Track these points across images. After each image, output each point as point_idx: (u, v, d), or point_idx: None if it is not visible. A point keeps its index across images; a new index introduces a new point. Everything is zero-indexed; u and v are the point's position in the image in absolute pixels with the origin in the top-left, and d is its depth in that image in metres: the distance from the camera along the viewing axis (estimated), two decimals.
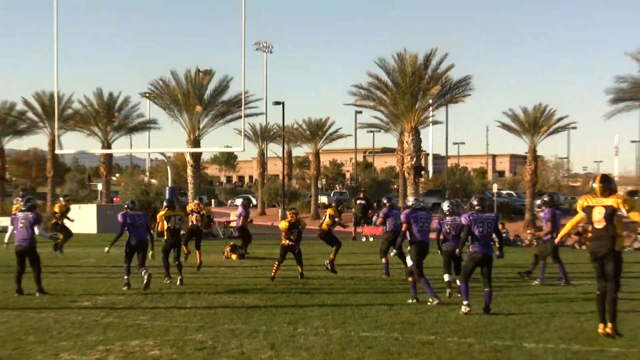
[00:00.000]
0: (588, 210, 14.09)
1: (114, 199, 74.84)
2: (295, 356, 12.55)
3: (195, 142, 52.36)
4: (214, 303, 18.73)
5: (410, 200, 21.01)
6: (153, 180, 72.81)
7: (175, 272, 22.50)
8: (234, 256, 30.58)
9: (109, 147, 66.59)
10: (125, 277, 21.34)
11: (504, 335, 14.49)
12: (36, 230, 19.98)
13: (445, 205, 21.05)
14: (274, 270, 23.44)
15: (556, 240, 21.08)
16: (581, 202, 14.34)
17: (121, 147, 66.86)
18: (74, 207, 38.69)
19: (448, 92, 51.89)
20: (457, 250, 18.64)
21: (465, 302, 17.09)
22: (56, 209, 31.84)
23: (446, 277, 20.32)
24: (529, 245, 42.32)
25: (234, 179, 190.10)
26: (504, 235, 42.38)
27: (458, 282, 18.39)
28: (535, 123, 66.34)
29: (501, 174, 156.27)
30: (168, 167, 49.06)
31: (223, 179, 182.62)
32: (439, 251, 20.64)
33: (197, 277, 23.99)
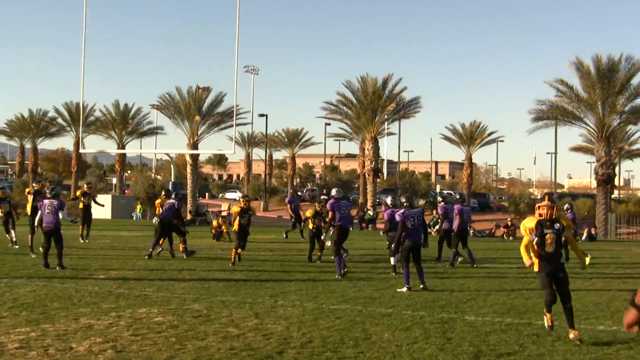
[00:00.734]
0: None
1: (126, 191, 74.30)
2: (275, 324, 12.19)
3: (194, 146, 52.18)
4: (208, 278, 18.37)
5: (334, 192, 21.04)
6: (158, 177, 72.52)
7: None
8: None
9: (123, 148, 66.35)
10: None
11: (449, 309, 14.20)
12: (60, 214, 19.72)
13: (388, 199, 21.68)
14: (233, 255, 21.55)
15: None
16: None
17: (133, 148, 66.54)
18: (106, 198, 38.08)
19: (402, 109, 52.26)
20: (394, 245, 18.20)
21: (406, 286, 16.70)
22: (78, 193, 31.14)
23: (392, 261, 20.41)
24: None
25: (224, 177, 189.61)
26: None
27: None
28: (471, 136, 66.95)
29: (442, 177, 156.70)
30: (172, 166, 48.83)
31: (215, 177, 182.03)
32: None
33: (195, 257, 23.61)
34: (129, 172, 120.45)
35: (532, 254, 11.85)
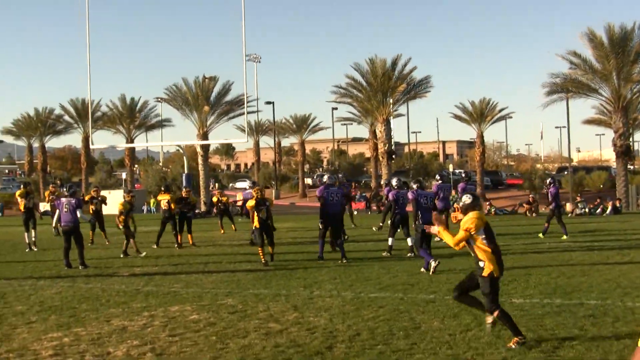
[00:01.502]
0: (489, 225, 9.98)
1: (136, 185, 73.84)
2: (317, 317, 11.64)
3: (204, 136, 51.61)
4: (236, 270, 17.83)
5: (325, 177, 21.23)
6: (165, 169, 72.14)
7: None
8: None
9: (132, 142, 65.86)
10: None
11: None
12: (78, 213, 19.24)
13: (394, 181, 22.40)
14: (261, 255, 18.90)
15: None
16: (480, 217, 9.90)
17: (140, 142, 65.69)
18: (104, 193, 37.36)
19: (412, 89, 51.43)
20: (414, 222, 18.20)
21: (432, 262, 16.50)
22: (86, 198, 30.48)
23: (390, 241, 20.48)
24: (488, 214, 41.75)
25: (232, 167, 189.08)
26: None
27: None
28: (481, 113, 66.26)
29: (448, 156, 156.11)
30: (184, 158, 48.39)
31: (223, 167, 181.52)
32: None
33: (216, 248, 23.10)
34: (136, 166, 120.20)
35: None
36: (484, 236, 9.70)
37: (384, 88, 50.08)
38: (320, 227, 20.07)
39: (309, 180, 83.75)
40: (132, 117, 66.41)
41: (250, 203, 19.66)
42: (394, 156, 54.99)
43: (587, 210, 41.41)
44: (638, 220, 33.76)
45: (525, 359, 8.88)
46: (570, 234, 24.99)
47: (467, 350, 9.32)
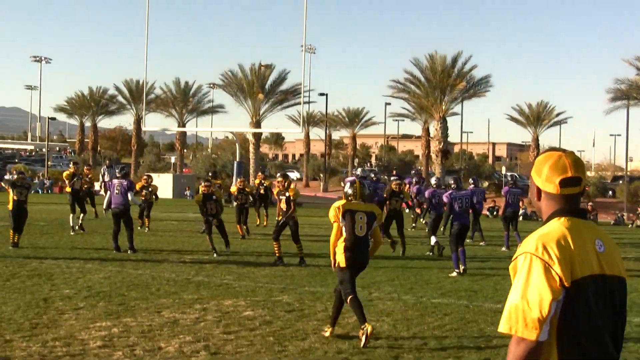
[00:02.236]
0: (350, 213, 10.04)
1: (184, 169, 73.73)
2: (379, 321, 10.97)
3: (257, 124, 51.15)
4: (289, 264, 17.14)
5: (359, 171, 22.95)
6: (214, 155, 71.90)
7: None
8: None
9: (184, 126, 65.69)
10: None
11: None
12: (129, 196, 18.80)
13: (433, 180, 23.91)
14: (276, 251, 17.33)
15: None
16: (337, 206, 10.13)
17: (190, 126, 65.26)
18: (153, 176, 36.53)
19: (471, 88, 50.39)
20: (442, 223, 18.76)
21: (455, 270, 16.37)
22: (137, 187, 29.60)
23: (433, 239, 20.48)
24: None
25: (279, 157, 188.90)
26: (522, 211, 40.92)
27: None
28: (538, 117, 65.04)
29: (499, 158, 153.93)
30: (237, 145, 48.01)
31: (271, 156, 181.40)
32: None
33: (267, 240, 22.48)
34: (185, 150, 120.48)
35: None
36: (343, 225, 10.03)
37: (442, 85, 49.15)
38: None
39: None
40: (185, 101, 66.10)
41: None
42: (448, 155, 54.01)
43: None
44: None
45: None
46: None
47: None
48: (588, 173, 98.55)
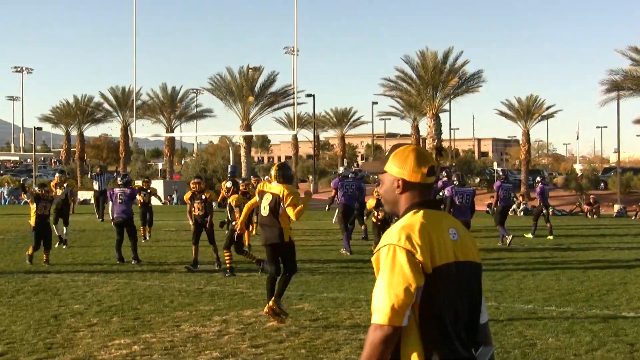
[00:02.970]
0: (260, 195, 11.06)
1: (174, 176, 72.96)
2: None
3: (247, 127, 50.56)
4: (300, 270, 16.52)
5: (341, 170, 22.06)
6: (203, 161, 71.26)
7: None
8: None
9: (172, 131, 64.98)
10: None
11: (595, 304, 12.36)
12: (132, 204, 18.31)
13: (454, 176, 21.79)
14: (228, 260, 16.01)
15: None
16: (259, 186, 11.42)
17: (178, 133, 64.31)
18: (156, 184, 35.54)
19: (464, 84, 49.90)
20: None
21: None
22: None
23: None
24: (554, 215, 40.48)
25: (265, 160, 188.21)
26: (523, 206, 40.53)
27: None
28: (528, 110, 64.55)
29: (485, 154, 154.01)
30: (230, 149, 47.46)
31: (257, 159, 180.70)
32: None
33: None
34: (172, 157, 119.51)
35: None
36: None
37: (434, 81, 48.64)
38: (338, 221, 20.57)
39: None
40: (172, 106, 65.41)
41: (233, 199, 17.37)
42: (442, 152, 53.44)
43: None
44: None
45: None
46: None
47: None
48: (576, 166, 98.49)
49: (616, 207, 47.28)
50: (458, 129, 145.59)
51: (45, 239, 17.56)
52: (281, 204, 10.66)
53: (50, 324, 10.69)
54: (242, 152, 49.78)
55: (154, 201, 24.58)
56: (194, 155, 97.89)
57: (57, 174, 23.95)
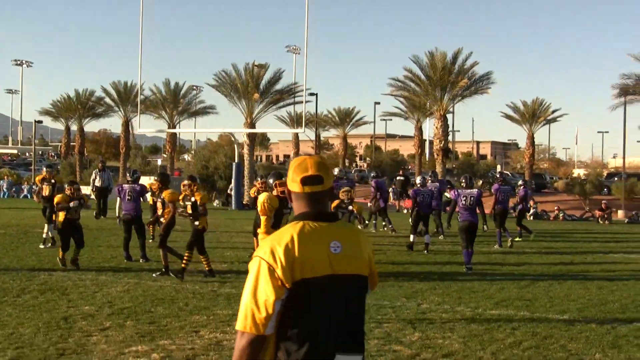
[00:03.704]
0: None
1: (174, 172, 72.18)
2: (446, 339, 9.82)
3: (252, 125, 49.78)
4: None
5: (336, 171, 23.45)
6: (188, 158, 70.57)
7: None
8: None
9: (174, 128, 64.24)
10: None
11: (634, 315, 11.70)
12: (142, 200, 17.63)
13: (418, 179, 23.24)
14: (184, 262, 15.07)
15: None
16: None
17: (179, 129, 63.51)
18: (144, 180, 33.52)
19: (473, 85, 49.23)
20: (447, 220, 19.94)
21: (466, 266, 16.74)
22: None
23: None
24: (556, 219, 39.95)
25: (263, 158, 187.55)
26: (532, 210, 39.91)
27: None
28: (533, 114, 64.05)
29: (483, 157, 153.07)
30: (235, 146, 46.81)
31: (255, 158, 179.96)
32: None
33: None
34: (165, 154, 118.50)
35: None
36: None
37: (443, 82, 48.01)
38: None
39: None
40: (175, 102, 64.61)
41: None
42: (449, 154, 52.83)
43: None
44: None
45: None
46: None
47: None
48: (575, 170, 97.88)
49: (620, 213, 46.82)
50: (459, 131, 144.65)
51: (75, 239, 15.99)
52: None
53: (60, 327, 10.04)
54: (246, 149, 48.98)
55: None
56: (192, 152, 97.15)
57: (44, 169, 22.46)
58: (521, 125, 65.05)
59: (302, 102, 54.25)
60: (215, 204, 46.46)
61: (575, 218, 41.56)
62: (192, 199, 15.12)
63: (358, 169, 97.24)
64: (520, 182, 27.12)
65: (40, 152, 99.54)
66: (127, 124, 64.50)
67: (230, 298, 12.57)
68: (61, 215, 16.05)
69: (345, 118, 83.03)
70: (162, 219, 16.09)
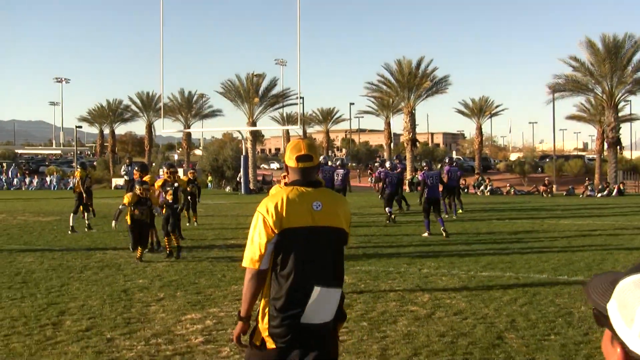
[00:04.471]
0: None
1: (190, 165, 71.34)
2: (452, 299, 9.32)
3: (253, 124, 49.28)
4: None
5: (320, 159, 20.90)
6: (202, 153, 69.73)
7: None
8: None
9: (189, 128, 63.65)
10: None
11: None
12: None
13: (387, 163, 22.73)
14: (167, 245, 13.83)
15: None
16: None
17: (193, 129, 62.66)
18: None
19: (434, 86, 48.80)
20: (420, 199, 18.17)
21: (427, 231, 16.93)
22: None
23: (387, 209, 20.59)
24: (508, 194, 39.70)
25: (258, 151, 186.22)
26: (489, 187, 39.56)
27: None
28: (480, 109, 63.85)
29: (437, 145, 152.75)
30: (242, 141, 46.24)
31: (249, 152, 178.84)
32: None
33: None
34: (179, 149, 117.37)
35: None
36: None
37: (410, 84, 47.67)
38: None
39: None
40: (189, 107, 64.27)
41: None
42: (417, 144, 52.31)
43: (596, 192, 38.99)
44: None
45: None
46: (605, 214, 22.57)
47: None
48: (512, 155, 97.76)
49: (554, 187, 46.69)
50: (418, 124, 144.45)
51: (141, 237, 13.27)
52: None
53: (122, 299, 9.47)
54: (249, 144, 48.39)
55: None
56: (201, 148, 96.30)
57: (79, 168, 20.36)
58: (470, 119, 64.85)
59: (293, 104, 54.14)
60: (227, 190, 45.83)
61: (524, 193, 41.20)
62: (175, 184, 14.07)
63: (338, 157, 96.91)
64: (446, 160, 25.10)
65: (79, 152, 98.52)
66: (149, 127, 64.20)
67: None
68: (128, 215, 13.36)
69: (327, 116, 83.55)
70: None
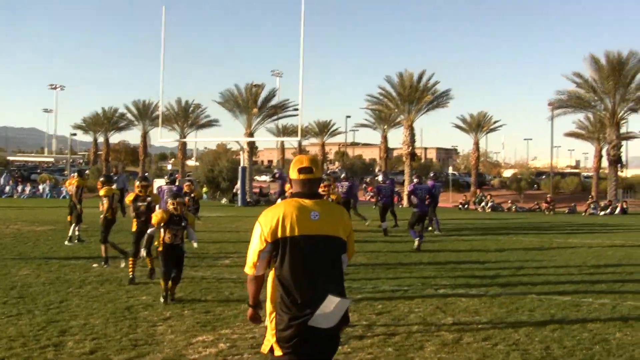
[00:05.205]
0: None
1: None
2: (476, 323, 8.76)
3: (251, 134, 48.80)
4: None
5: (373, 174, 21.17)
6: (196, 163, 68.99)
7: None
8: None
9: (185, 137, 63.05)
10: None
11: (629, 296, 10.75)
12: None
13: (380, 177, 22.71)
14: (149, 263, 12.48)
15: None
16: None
17: (189, 138, 61.74)
18: (159, 182, 30.52)
19: (435, 100, 48.42)
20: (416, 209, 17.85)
21: (416, 241, 16.90)
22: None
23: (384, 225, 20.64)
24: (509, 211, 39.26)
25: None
26: (490, 203, 39.15)
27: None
28: (478, 124, 63.48)
29: (430, 160, 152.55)
30: (240, 153, 45.77)
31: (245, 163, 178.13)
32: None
33: None
34: (172, 160, 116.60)
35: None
36: None
37: (411, 98, 47.24)
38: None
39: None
40: (185, 117, 63.48)
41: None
42: (415, 157, 51.76)
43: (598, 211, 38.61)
44: None
45: None
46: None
47: None
48: (509, 171, 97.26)
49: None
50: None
51: (177, 267, 10.33)
52: None
53: (126, 317, 8.94)
54: (246, 155, 47.86)
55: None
56: (194, 158, 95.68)
57: (75, 174, 19.21)
58: (468, 134, 64.44)
59: (290, 115, 53.68)
60: (223, 202, 45.27)
61: (525, 210, 40.79)
62: (148, 199, 12.63)
63: (332, 170, 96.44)
64: (414, 179, 24.67)
65: (71, 160, 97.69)
66: (144, 136, 63.58)
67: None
68: (160, 239, 10.45)
69: (323, 129, 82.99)
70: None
